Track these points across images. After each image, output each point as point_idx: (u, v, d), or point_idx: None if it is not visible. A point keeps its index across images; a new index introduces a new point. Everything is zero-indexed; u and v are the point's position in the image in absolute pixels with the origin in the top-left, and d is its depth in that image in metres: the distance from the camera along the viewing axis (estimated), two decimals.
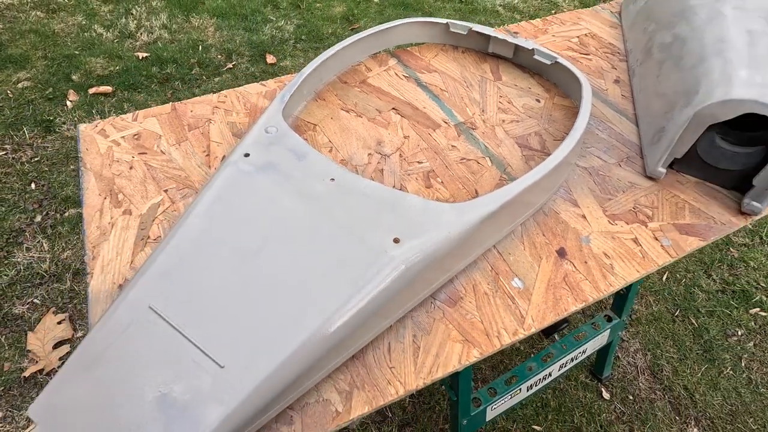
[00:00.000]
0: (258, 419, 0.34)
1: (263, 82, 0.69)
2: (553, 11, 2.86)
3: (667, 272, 1.71)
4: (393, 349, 0.41)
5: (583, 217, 0.53)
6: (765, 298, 1.63)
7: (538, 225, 0.52)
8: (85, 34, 2.36)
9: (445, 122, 0.64)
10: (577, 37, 0.82)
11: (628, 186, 0.56)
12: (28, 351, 1.28)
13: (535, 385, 0.96)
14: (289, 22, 2.54)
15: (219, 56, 2.31)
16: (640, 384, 1.40)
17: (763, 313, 1.59)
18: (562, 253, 0.49)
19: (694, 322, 1.56)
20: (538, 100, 0.68)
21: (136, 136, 0.59)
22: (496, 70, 0.74)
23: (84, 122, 1.88)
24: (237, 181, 0.44)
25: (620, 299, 1.14)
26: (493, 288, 0.46)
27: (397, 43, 0.76)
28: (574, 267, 0.48)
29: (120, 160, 0.55)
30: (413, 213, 0.42)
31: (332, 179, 0.44)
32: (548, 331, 0.59)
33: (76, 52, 2.25)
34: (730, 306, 1.60)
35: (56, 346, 1.30)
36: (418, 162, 0.58)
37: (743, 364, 1.45)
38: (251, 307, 0.37)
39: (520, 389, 0.91)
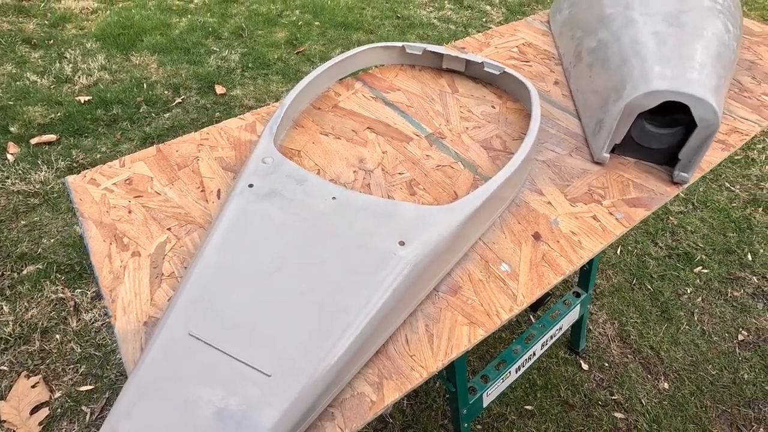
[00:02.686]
0: (306, 419, 0.38)
1: (241, 116, 0.73)
2: (483, 19, 3.05)
3: (620, 246, 1.87)
4: (410, 339, 0.46)
5: (549, 203, 0.61)
6: (705, 257, 1.83)
7: (513, 215, 0.59)
8: (18, 83, 2.26)
9: (417, 135, 0.71)
10: (517, 47, 0.93)
11: (581, 172, 0.65)
12: (3, 421, 1.21)
13: (522, 366, 1.04)
14: (233, 52, 2.56)
15: (166, 92, 2.28)
16: (613, 351, 1.52)
17: (705, 270, 1.78)
18: (537, 236, 0.56)
19: (649, 287, 1.72)
20: (493, 107, 0.77)
21: (127, 181, 0.61)
22: (452, 84, 0.82)
23: (30, 174, 1.80)
24: (246, 210, 0.48)
25: (585, 275, 1.25)
26: (486, 275, 0.52)
27: (360, 67, 0.83)
28: (549, 246, 0.55)
29: (117, 205, 0.57)
30: (410, 218, 0.47)
31: (333, 198, 0.49)
32: (535, 306, 0.66)
33: (11, 103, 2.14)
34: (677, 268, 1.78)
35: (33, 411, 1.24)
36: (399, 173, 0.64)
37: (696, 318, 1.62)
38: (282, 318, 0.41)
39: (510, 372, 0.98)
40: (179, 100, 2.23)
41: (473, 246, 0.55)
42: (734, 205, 2.00)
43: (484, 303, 0.49)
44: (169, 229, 0.55)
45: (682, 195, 2.04)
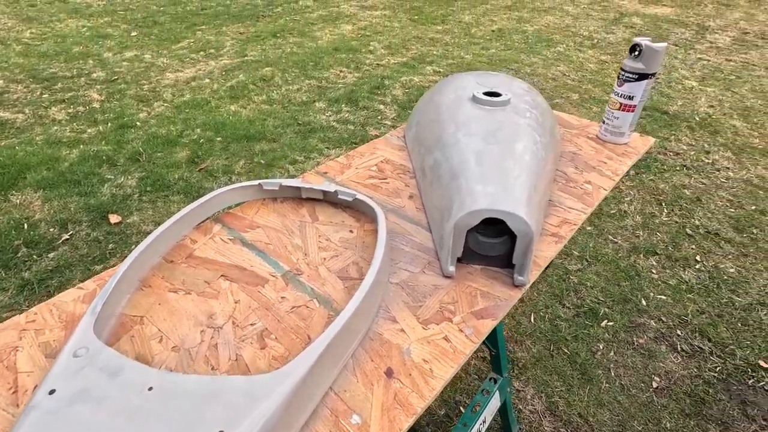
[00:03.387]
0: None
1: (80, 285, 0.68)
2: (378, 117, 3.32)
3: (533, 313, 1.94)
4: None
5: (402, 330, 0.61)
6: (607, 310, 1.95)
7: (366, 352, 0.58)
8: None
9: (273, 275, 0.70)
10: (376, 165, 1.00)
11: (432, 289, 0.68)
12: None
13: None
14: (130, 177, 2.50)
15: (51, 230, 2.13)
16: (545, 427, 1.50)
17: (611, 323, 1.88)
18: (389, 373, 0.56)
19: (566, 350, 1.77)
20: (351, 231, 0.80)
21: None
22: (312, 212, 0.84)
23: None
24: (44, 426, 0.42)
25: (495, 360, 1.25)
26: None
27: (219, 208, 0.83)
28: (401, 383, 0.54)
29: None
30: (237, 396, 0.44)
31: (150, 388, 0.45)
32: None
33: None
34: (586, 326, 1.87)
35: None
36: (251, 324, 0.62)
37: (612, 374, 1.67)
38: None
39: None
40: (67, 236, 2.08)
41: (324, 398, 0.52)
42: (620, 255, 2.21)
43: None
44: None
45: (577, 253, 2.21)
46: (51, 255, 1.98)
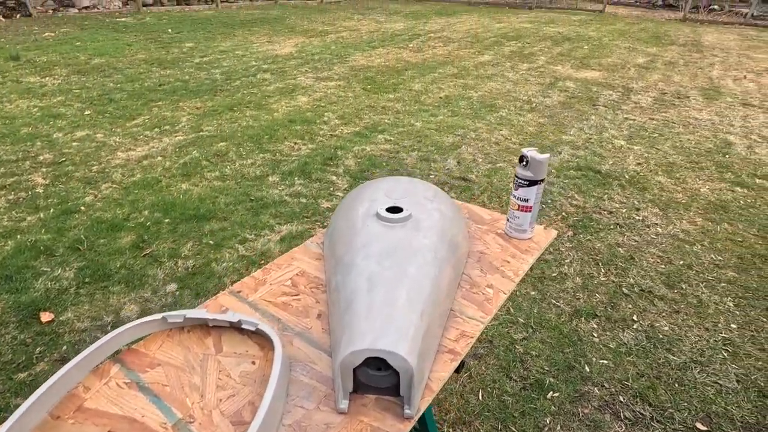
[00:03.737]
0: None
1: None
2: (330, 189, 3.40)
3: (480, 390, 1.93)
4: None
5: None
6: (552, 380, 1.97)
7: None
8: None
9: (164, 426, 0.69)
10: (290, 279, 1.03)
11: (324, 429, 0.69)
12: None
13: None
14: (67, 269, 2.42)
15: None
16: None
17: (556, 394, 1.90)
18: None
19: (514, 429, 1.76)
20: (253, 362, 0.80)
21: None
22: (218, 342, 0.85)
23: None
24: None
25: None
26: None
27: (122, 345, 0.82)
28: None
29: None
30: None
31: None
32: None
33: None
34: (533, 399, 1.87)
35: None
36: None
37: None
38: None
39: None
40: None
41: None
42: (563, 320, 2.27)
43: None
44: None
45: (522, 320, 2.26)
46: None
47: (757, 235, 2.97)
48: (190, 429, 0.69)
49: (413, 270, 0.84)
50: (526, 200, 1.13)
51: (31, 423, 0.68)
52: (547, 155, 1.09)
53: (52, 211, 2.95)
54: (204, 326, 0.89)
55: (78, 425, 0.69)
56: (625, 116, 5.09)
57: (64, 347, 1.95)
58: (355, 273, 0.83)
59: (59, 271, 2.38)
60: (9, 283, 2.28)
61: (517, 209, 1.15)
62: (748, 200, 3.41)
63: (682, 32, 11.62)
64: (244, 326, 0.83)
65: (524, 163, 1.10)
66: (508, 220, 1.19)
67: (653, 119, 5.02)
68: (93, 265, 2.44)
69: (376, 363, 0.72)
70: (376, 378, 0.71)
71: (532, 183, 1.10)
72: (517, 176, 1.12)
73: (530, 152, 1.09)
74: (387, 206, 1.01)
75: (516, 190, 1.13)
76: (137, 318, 2.11)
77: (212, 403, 0.73)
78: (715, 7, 16.09)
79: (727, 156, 4.16)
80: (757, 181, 3.72)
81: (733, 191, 3.54)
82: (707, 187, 3.59)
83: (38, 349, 1.93)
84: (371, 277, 0.81)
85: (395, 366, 0.67)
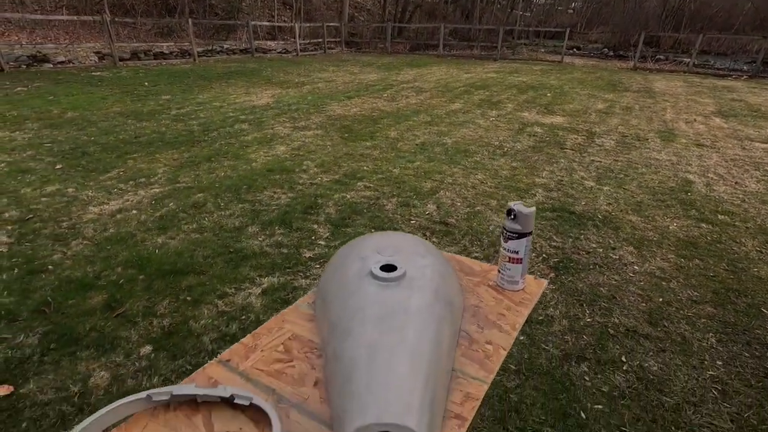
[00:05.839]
0: None
1: None
2: (312, 237, 3.37)
3: None
4: None
5: None
6: (550, 429, 1.91)
7: None
8: None
9: None
10: (282, 344, 0.98)
11: None
12: None
13: None
14: (30, 335, 2.25)
15: None
16: None
17: None
18: None
19: None
20: None
21: None
22: (208, 421, 0.79)
23: None
24: None
25: None
26: None
27: (106, 426, 0.75)
28: None
29: None
30: None
31: None
32: None
33: None
34: None
35: None
36: None
37: None
38: None
39: None
40: None
41: None
42: (554, 365, 2.24)
43: None
44: None
45: (513, 367, 2.22)
46: None
47: (728, 270, 3.09)
48: None
49: (412, 333, 0.82)
50: (517, 252, 1.14)
51: None
52: (533, 209, 1.12)
53: (16, 271, 2.78)
54: (191, 401, 0.83)
55: None
56: (591, 158, 5.36)
57: (24, 424, 1.78)
58: (353, 340, 0.81)
59: (21, 338, 2.22)
60: None
61: (508, 261, 1.16)
62: (714, 236, 3.57)
63: (635, 80, 12.60)
64: (237, 401, 0.78)
65: (512, 216, 1.12)
66: (499, 271, 1.20)
67: (617, 161, 5.30)
68: (59, 329, 2.28)
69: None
70: None
71: (521, 235, 1.12)
72: (505, 229, 1.14)
73: (517, 206, 1.12)
74: (381, 264, 1.00)
75: (506, 242, 1.15)
76: (107, 386, 1.96)
77: None
78: (661, 57, 17.65)
79: (689, 194, 4.39)
80: (720, 217, 3.92)
81: (699, 227, 3.71)
82: (675, 224, 3.75)
83: None
84: (370, 344, 0.79)
85: None
